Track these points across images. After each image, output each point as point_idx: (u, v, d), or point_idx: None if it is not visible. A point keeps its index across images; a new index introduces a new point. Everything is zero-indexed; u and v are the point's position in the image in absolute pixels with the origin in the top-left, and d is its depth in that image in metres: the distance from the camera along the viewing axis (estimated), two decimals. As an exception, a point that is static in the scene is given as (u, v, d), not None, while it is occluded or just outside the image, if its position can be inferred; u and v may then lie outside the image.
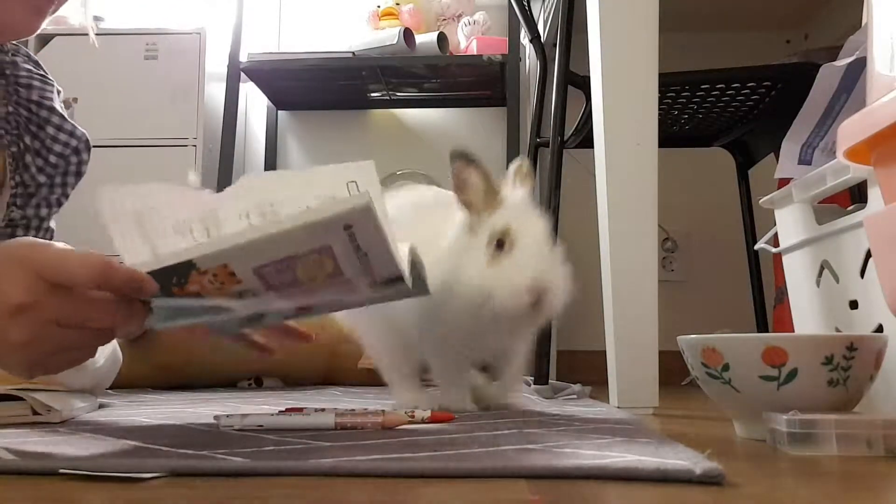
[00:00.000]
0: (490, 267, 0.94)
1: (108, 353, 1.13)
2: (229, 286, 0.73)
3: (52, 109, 1.19)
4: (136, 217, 0.78)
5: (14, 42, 1.14)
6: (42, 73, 1.21)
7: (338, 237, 0.71)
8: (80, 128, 1.23)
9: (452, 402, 1.07)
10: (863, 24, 1.15)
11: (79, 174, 1.24)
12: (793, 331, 1.32)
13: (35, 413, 0.92)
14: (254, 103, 2.93)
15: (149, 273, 0.70)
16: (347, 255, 0.73)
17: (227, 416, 0.86)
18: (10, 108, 1.15)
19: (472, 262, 0.95)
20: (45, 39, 2.60)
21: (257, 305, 0.77)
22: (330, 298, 0.80)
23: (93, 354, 0.76)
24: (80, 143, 1.22)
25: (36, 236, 1.17)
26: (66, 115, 1.22)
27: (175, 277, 0.71)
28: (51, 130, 1.19)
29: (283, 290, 0.75)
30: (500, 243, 0.94)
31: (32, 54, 1.23)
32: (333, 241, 0.71)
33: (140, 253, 0.77)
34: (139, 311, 0.73)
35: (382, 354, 1.16)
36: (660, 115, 1.31)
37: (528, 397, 1.34)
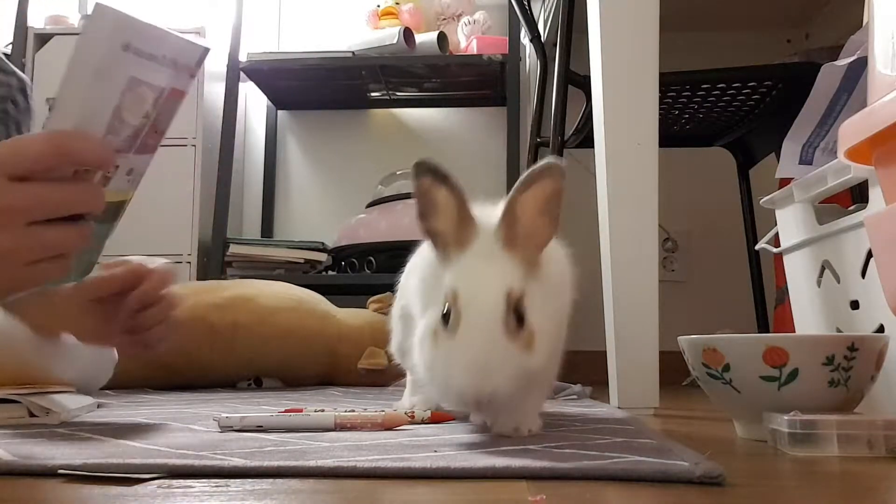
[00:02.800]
0: (434, 349, 0.76)
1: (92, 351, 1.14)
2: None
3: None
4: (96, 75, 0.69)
5: None
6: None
7: (128, 61, 0.69)
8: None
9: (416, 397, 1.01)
10: (864, 23, 1.15)
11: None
12: (794, 331, 1.31)
13: (32, 415, 0.92)
14: (253, 103, 2.93)
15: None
16: (149, 68, 0.72)
17: (227, 416, 0.86)
18: None
19: (424, 335, 0.78)
20: (43, 39, 2.59)
21: (124, 168, 0.76)
22: (167, 116, 0.78)
23: (66, 269, 0.72)
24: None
25: None
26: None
27: None
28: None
29: (132, 144, 0.74)
30: (447, 315, 0.75)
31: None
32: (128, 70, 0.70)
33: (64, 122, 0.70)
34: (98, 191, 0.71)
35: (407, 356, 0.99)
36: (660, 114, 1.31)
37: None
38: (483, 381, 0.71)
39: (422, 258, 0.89)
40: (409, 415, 0.89)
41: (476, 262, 0.76)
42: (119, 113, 0.70)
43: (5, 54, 2.45)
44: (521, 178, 0.77)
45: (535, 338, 0.75)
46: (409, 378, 1.10)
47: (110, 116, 0.70)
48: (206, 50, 0.78)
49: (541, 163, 0.77)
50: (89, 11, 2.89)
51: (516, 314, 0.74)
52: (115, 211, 0.78)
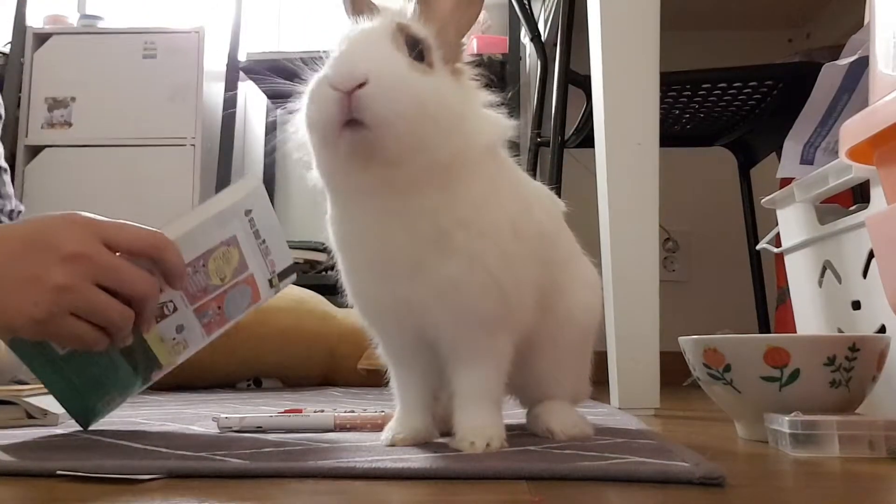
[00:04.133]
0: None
1: None
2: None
3: None
4: None
5: None
6: None
7: (241, 224, 0.84)
8: None
9: (398, 424, 0.77)
10: (865, 23, 1.14)
11: None
12: (795, 331, 1.31)
13: (30, 417, 0.92)
14: (253, 103, 2.92)
15: None
16: (250, 242, 0.85)
17: (226, 417, 0.86)
18: None
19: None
20: (42, 38, 2.59)
21: (176, 320, 0.84)
22: (234, 304, 0.88)
23: (103, 345, 0.77)
24: None
25: None
26: None
27: None
28: None
29: (196, 298, 0.83)
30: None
31: None
32: (237, 229, 0.84)
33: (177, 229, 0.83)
34: (154, 286, 0.77)
35: (389, 365, 0.83)
36: (661, 114, 1.31)
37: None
38: (354, 59, 0.66)
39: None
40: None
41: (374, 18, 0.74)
42: (207, 256, 0.83)
43: (3, 53, 2.45)
44: None
45: (437, 77, 0.70)
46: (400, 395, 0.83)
47: (200, 254, 0.82)
48: (293, 269, 0.91)
49: None
50: (87, 11, 2.89)
51: (410, 44, 0.69)
52: (144, 356, 0.83)
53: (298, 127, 0.73)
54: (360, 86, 0.64)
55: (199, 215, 0.82)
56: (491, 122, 0.77)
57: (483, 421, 0.72)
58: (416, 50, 0.69)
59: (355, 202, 0.72)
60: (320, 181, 0.74)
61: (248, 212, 0.84)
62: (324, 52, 0.73)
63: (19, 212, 1.25)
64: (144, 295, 0.76)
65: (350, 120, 0.65)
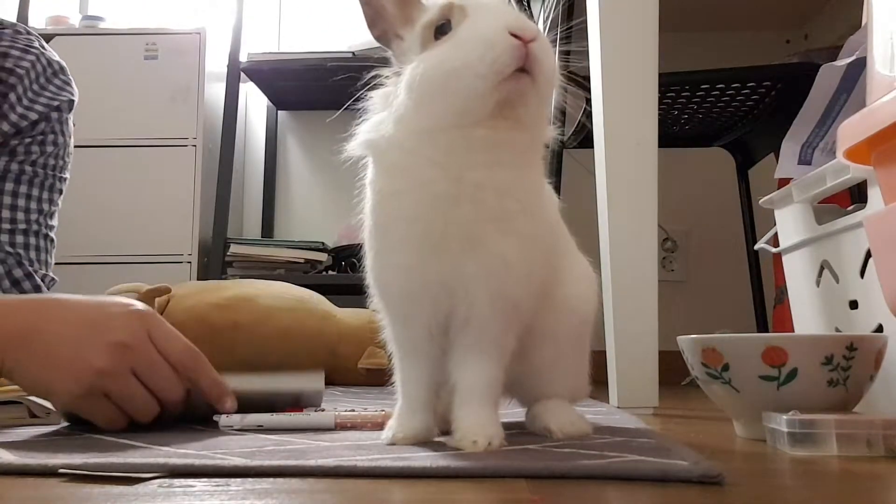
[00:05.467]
0: (422, 62, 0.71)
1: None
2: None
3: (23, 77, 1.25)
4: None
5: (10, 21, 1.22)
6: (35, 49, 1.27)
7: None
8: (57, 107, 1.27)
9: (399, 423, 0.76)
10: (863, 24, 1.15)
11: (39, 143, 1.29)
12: (793, 331, 1.32)
13: (32, 416, 0.92)
14: (254, 103, 2.93)
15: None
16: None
17: (227, 416, 0.86)
18: None
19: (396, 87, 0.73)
20: (44, 39, 2.59)
21: None
22: None
23: (121, 426, 0.83)
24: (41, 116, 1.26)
25: None
26: (40, 98, 1.27)
27: None
28: (12, 98, 1.23)
29: None
30: (442, 27, 0.71)
31: (38, 41, 1.26)
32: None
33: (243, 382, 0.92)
34: (180, 388, 0.85)
35: (396, 358, 0.80)
36: (660, 114, 1.31)
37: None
38: (524, 18, 0.70)
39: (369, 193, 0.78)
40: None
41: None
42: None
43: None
44: None
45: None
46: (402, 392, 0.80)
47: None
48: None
49: None
50: (89, 12, 2.89)
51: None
52: None
53: (433, 75, 0.70)
54: (533, 40, 0.68)
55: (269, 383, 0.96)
56: None
57: (484, 419, 0.72)
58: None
59: (438, 167, 0.71)
60: (387, 147, 0.74)
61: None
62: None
63: (52, 279, 1.28)
64: (169, 399, 0.84)
65: (520, 69, 0.68)
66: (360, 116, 0.80)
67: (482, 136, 0.70)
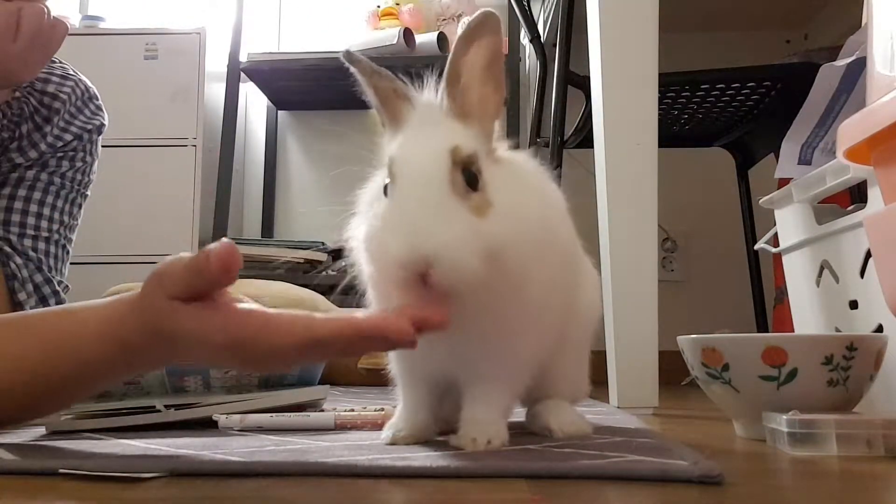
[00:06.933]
0: (371, 222, 0.67)
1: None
2: None
3: (66, 102, 1.30)
4: None
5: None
6: (72, 75, 1.35)
7: None
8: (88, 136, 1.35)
9: (400, 422, 0.77)
10: (863, 24, 1.15)
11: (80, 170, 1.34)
12: (793, 331, 1.32)
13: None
14: (254, 103, 2.93)
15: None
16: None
17: (227, 416, 0.86)
18: (18, 94, 1.26)
19: (370, 214, 0.70)
20: (44, 39, 2.60)
21: None
22: None
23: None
24: (80, 143, 1.28)
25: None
26: (75, 120, 1.33)
27: None
28: (55, 120, 1.29)
29: None
30: (387, 188, 0.68)
31: (70, 66, 1.37)
32: None
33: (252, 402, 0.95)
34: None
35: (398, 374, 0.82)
36: (660, 114, 1.31)
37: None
38: (419, 240, 0.61)
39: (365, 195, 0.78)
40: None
41: (417, 128, 0.70)
42: None
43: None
44: (458, 37, 0.71)
45: (493, 205, 0.65)
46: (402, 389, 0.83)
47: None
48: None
49: (475, 15, 0.70)
50: (89, 12, 2.89)
51: (465, 174, 0.65)
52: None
53: (365, 247, 0.68)
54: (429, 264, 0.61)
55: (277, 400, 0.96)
56: (553, 216, 0.79)
57: (488, 419, 0.72)
58: (470, 174, 0.66)
59: None
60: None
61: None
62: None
63: (66, 286, 1.30)
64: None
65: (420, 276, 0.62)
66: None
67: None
